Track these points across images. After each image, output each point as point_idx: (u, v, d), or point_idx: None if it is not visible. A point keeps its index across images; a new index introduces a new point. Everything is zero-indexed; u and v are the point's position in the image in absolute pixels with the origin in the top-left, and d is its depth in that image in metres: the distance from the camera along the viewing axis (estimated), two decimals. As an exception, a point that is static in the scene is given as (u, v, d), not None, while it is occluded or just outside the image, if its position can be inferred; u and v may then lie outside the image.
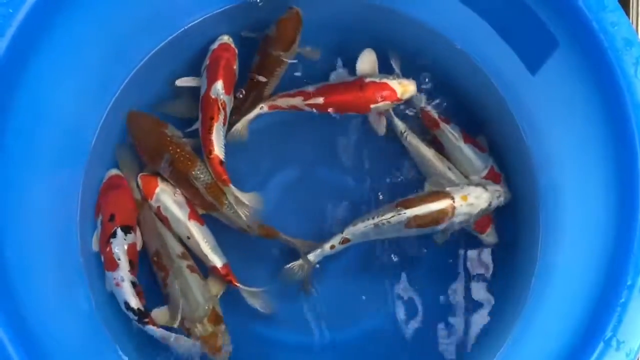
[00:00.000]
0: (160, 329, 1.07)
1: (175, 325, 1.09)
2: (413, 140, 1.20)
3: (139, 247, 1.14)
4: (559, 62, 1.03)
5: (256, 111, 1.18)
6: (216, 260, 1.14)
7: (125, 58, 1.17)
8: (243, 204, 1.11)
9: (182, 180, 1.14)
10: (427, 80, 1.23)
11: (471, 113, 1.24)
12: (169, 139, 1.14)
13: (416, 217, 1.10)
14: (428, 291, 1.20)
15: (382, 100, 1.17)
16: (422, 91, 1.23)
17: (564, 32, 1.00)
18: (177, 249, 1.14)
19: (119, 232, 1.09)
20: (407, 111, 1.24)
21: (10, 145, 0.96)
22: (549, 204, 1.13)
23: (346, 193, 1.23)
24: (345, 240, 1.13)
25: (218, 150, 1.12)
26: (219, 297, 1.15)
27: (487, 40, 1.13)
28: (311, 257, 1.14)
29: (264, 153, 1.24)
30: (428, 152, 1.19)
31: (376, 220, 1.12)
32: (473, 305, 1.19)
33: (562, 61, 1.02)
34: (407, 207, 1.11)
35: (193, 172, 1.12)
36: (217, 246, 1.15)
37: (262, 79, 1.18)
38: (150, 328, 1.06)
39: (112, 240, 1.08)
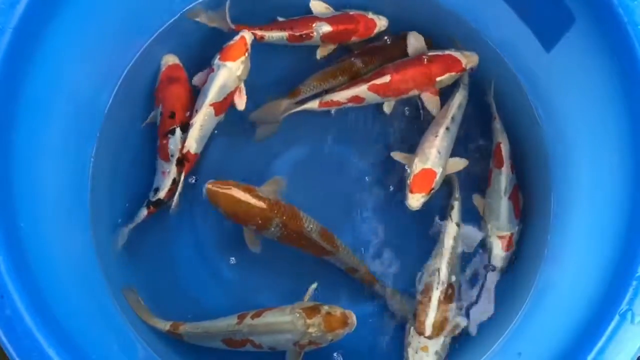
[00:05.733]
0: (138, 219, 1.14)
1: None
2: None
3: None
4: (575, 38, 1.03)
5: (307, 106, 1.18)
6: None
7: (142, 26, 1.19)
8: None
9: (293, 237, 1.11)
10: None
11: (483, 93, 1.23)
12: (267, 202, 1.09)
13: None
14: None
15: (448, 72, 1.18)
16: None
17: (580, 7, 0.99)
18: (231, 321, 1.08)
19: (178, 131, 1.16)
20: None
21: (23, 115, 0.97)
22: (563, 184, 1.13)
23: (356, 170, 1.22)
24: None
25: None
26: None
27: (500, 16, 1.13)
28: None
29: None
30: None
31: None
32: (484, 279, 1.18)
33: (579, 37, 1.02)
34: None
35: (306, 227, 1.10)
36: None
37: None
38: (142, 214, 1.13)
39: (170, 136, 1.15)
